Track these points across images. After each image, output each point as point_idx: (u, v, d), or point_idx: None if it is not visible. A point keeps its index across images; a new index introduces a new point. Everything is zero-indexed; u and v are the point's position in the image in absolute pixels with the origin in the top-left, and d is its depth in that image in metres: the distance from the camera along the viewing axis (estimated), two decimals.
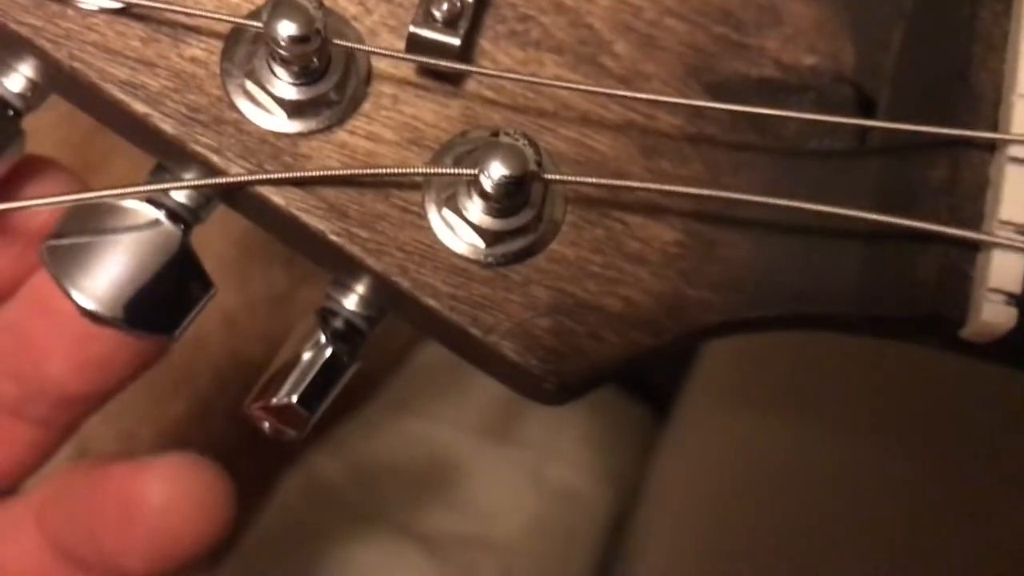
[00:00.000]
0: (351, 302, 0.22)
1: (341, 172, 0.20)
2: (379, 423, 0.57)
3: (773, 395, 0.44)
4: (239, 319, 0.74)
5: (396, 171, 0.20)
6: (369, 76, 0.21)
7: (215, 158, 0.20)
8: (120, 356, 0.25)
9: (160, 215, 0.22)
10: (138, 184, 0.22)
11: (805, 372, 0.43)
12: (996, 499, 0.38)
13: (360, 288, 0.22)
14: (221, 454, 0.80)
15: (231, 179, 0.20)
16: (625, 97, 0.21)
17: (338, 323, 0.22)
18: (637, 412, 0.55)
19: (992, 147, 0.20)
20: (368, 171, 0.20)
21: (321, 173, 0.20)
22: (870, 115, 0.22)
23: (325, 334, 0.22)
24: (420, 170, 0.20)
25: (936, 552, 0.38)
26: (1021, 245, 0.19)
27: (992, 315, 0.19)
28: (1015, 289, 0.19)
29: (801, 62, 0.22)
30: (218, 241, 0.68)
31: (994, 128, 0.20)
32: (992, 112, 0.21)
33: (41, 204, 0.22)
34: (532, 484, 0.52)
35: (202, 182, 0.21)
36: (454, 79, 0.21)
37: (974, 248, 0.20)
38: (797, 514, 0.42)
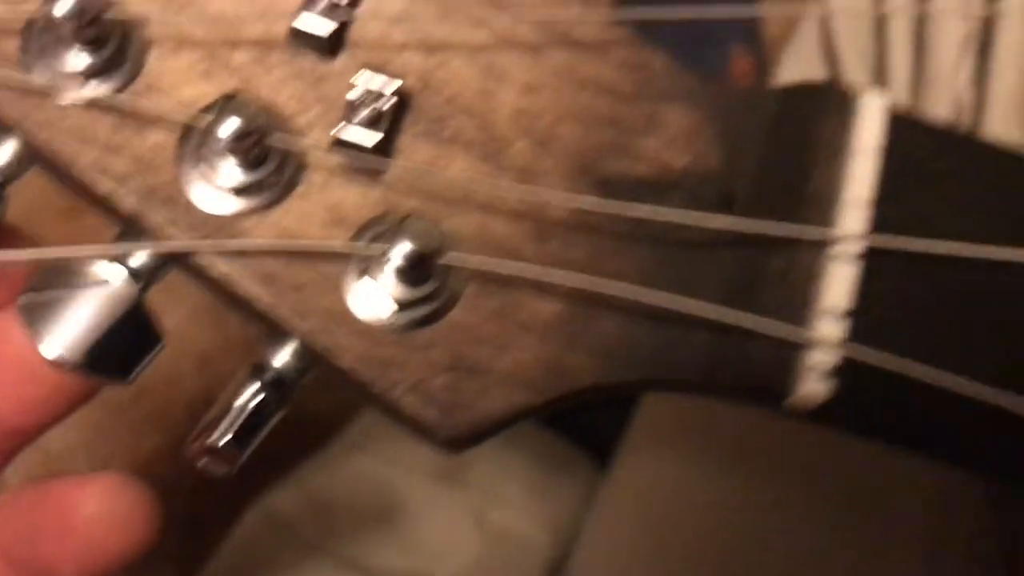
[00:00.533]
0: (281, 357, 0.26)
1: (269, 241, 0.24)
2: (338, 462, 0.60)
3: (709, 443, 0.48)
4: (213, 358, 0.77)
5: (318, 245, 0.24)
6: (303, 164, 0.25)
7: (168, 231, 0.24)
8: (59, 396, 0.28)
9: (122, 275, 0.26)
10: (94, 244, 0.26)
11: (742, 421, 0.46)
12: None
13: (289, 346, 0.25)
14: (191, 487, 0.84)
15: (172, 245, 0.24)
16: (522, 190, 0.25)
17: (269, 375, 0.26)
18: (581, 459, 0.59)
19: (823, 244, 0.24)
20: (293, 243, 0.24)
21: (247, 241, 0.24)
22: (732, 212, 0.26)
23: (257, 383, 0.26)
24: (338, 245, 0.24)
25: None
26: (834, 333, 0.23)
27: (809, 388, 0.23)
28: (829, 366, 0.23)
29: (674, 163, 0.26)
30: (194, 284, 0.71)
31: (826, 227, 0.24)
32: (826, 213, 0.24)
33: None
34: (476, 526, 0.55)
35: (142, 244, 0.24)
36: (374, 171, 0.25)
37: (803, 327, 0.24)
38: (727, 561, 0.45)
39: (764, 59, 0.61)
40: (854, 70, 0.45)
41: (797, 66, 0.49)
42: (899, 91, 0.43)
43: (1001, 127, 0.39)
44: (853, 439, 0.25)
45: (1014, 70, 0.39)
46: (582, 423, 0.59)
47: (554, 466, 0.58)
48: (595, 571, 0.51)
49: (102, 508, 0.27)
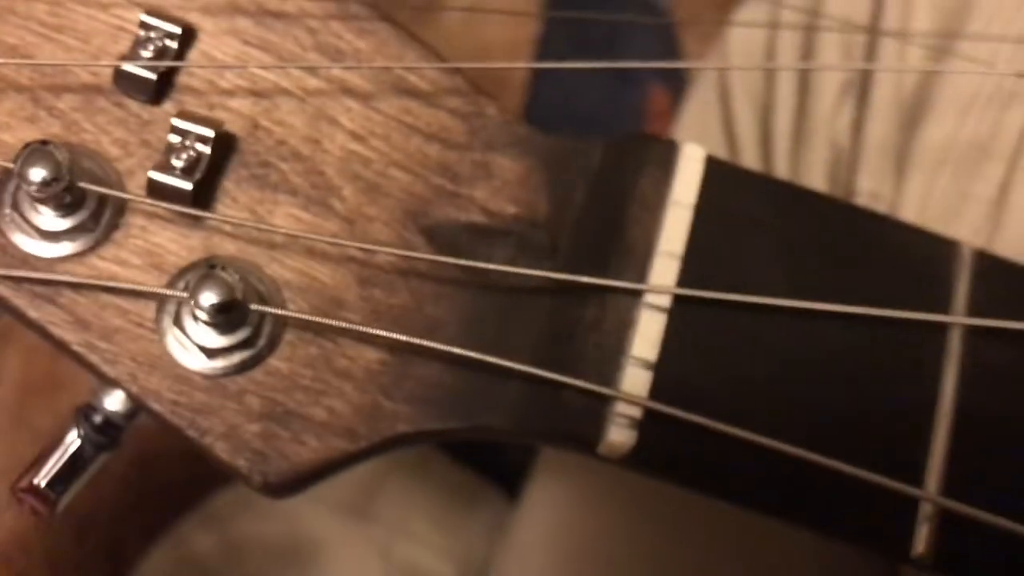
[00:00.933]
0: (107, 401, 0.26)
1: (72, 280, 0.24)
2: (250, 498, 0.60)
3: (614, 473, 0.48)
4: None
5: (121, 285, 0.24)
6: (123, 208, 0.25)
7: None
8: None
9: None
10: None
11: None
12: None
13: (112, 391, 0.25)
14: (110, 518, 0.83)
15: None
16: (347, 233, 0.25)
17: (97, 417, 0.26)
18: (490, 490, 0.59)
19: (636, 294, 0.24)
20: (96, 281, 0.24)
21: (51, 277, 0.24)
22: (554, 258, 0.26)
23: (79, 428, 0.26)
24: (141, 287, 0.24)
25: None
26: (641, 383, 0.23)
27: (617, 436, 0.23)
28: (636, 415, 0.23)
29: (504, 210, 0.26)
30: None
31: (640, 278, 0.24)
32: (640, 264, 0.25)
33: None
34: (383, 561, 0.55)
35: None
36: (194, 215, 0.25)
37: (612, 376, 0.24)
38: None
39: (680, 95, 0.62)
40: (743, 111, 0.45)
41: (697, 107, 0.50)
42: (783, 135, 0.43)
43: (875, 173, 0.40)
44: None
45: (888, 117, 0.40)
46: (491, 454, 0.59)
47: (462, 498, 0.58)
48: None
49: None
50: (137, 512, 0.73)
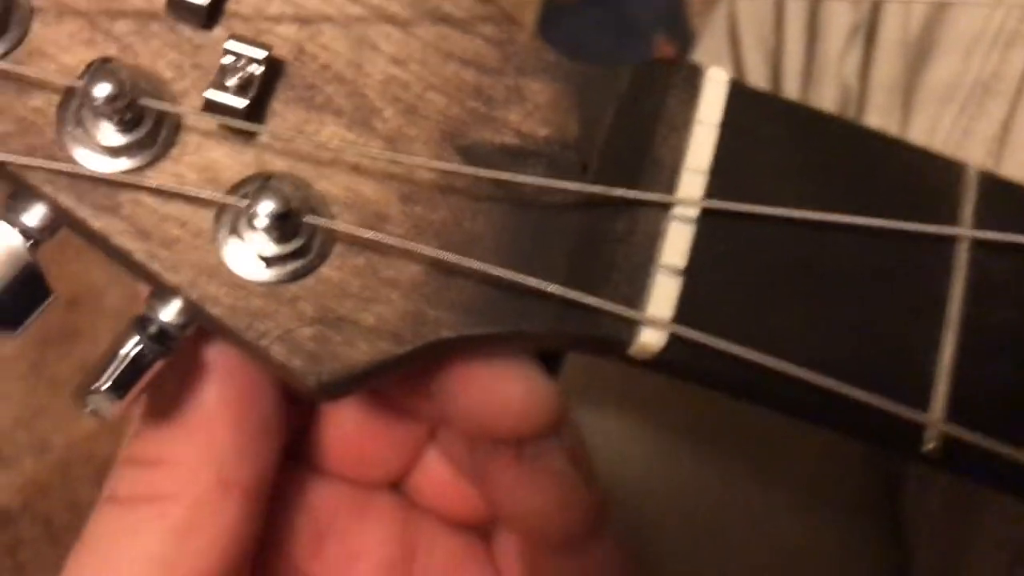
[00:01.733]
0: (163, 311, 0.27)
1: (137, 179, 0.25)
2: None
3: (625, 399, 0.49)
4: None
5: (182, 190, 0.26)
6: (179, 127, 0.26)
7: (47, 188, 0.26)
8: None
9: (13, 232, 0.27)
10: None
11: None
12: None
13: (168, 299, 0.27)
14: None
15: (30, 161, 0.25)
16: (388, 157, 0.27)
17: (152, 328, 0.27)
18: None
19: (665, 207, 0.26)
20: (165, 185, 0.25)
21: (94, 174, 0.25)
22: (587, 175, 0.28)
23: (140, 335, 0.27)
24: (207, 193, 0.26)
25: None
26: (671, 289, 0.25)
27: (647, 338, 0.25)
28: (666, 318, 0.25)
29: (536, 132, 0.28)
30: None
31: (670, 193, 0.26)
32: (668, 179, 0.26)
33: None
34: None
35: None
36: (248, 133, 0.26)
37: (642, 284, 0.25)
38: (644, 507, 0.46)
39: (686, 47, 0.63)
40: (753, 57, 0.47)
41: (707, 55, 0.51)
42: (792, 77, 0.45)
43: (882, 112, 0.41)
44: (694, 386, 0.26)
45: (895, 58, 0.41)
46: None
47: None
48: None
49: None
50: None
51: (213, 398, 0.28)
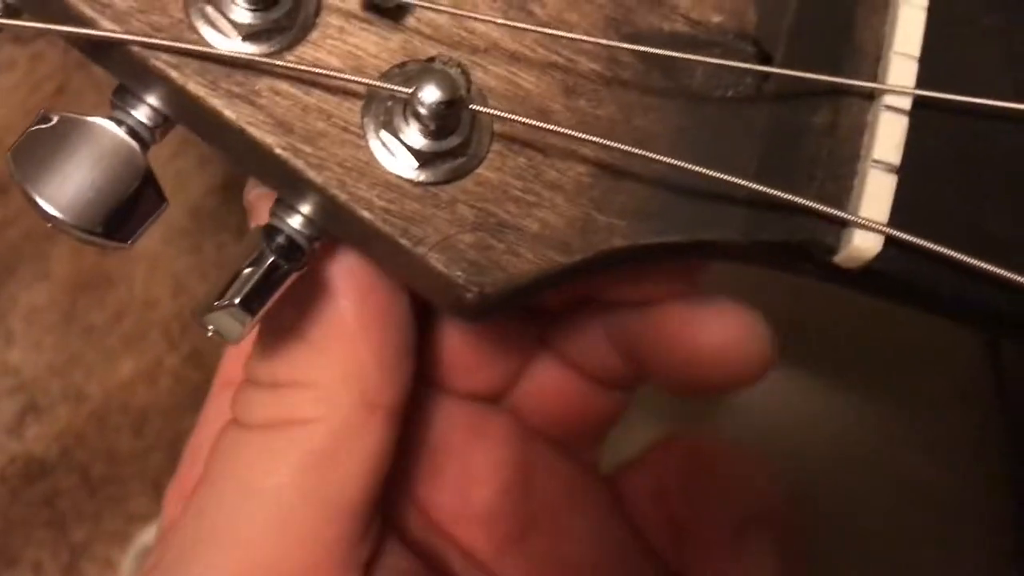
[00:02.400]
0: (293, 220, 0.24)
1: (283, 63, 0.22)
2: None
3: None
4: (189, 283, 0.75)
5: (337, 75, 0.22)
6: (319, 7, 0.23)
7: (174, 74, 0.22)
8: None
9: (122, 132, 0.24)
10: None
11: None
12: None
13: (302, 206, 0.24)
14: (167, 412, 0.82)
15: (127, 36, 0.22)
16: (549, 36, 0.24)
17: (280, 238, 0.24)
18: None
19: (870, 96, 0.23)
20: (310, 68, 0.22)
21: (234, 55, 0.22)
22: (771, 66, 0.25)
23: (268, 247, 0.24)
24: (361, 79, 0.23)
25: None
26: (886, 186, 0.22)
27: (861, 242, 0.22)
28: (883, 219, 0.22)
29: (709, 19, 0.25)
30: (172, 208, 0.70)
31: (874, 80, 0.23)
32: (872, 66, 0.23)
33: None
34: None
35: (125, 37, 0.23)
36: (395, 15, 0.23)
37: (850, 182, 0.22)
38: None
39: None
40: None
41: None
42: None
43: None
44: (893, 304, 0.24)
45: None
46: None
47: None
48: None
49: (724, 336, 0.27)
50: (193, 407, 0.72)
51: (353, 315, 0.25)
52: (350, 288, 0.25)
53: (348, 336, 0.25)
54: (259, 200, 0.26)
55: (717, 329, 0.27)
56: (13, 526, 0.70)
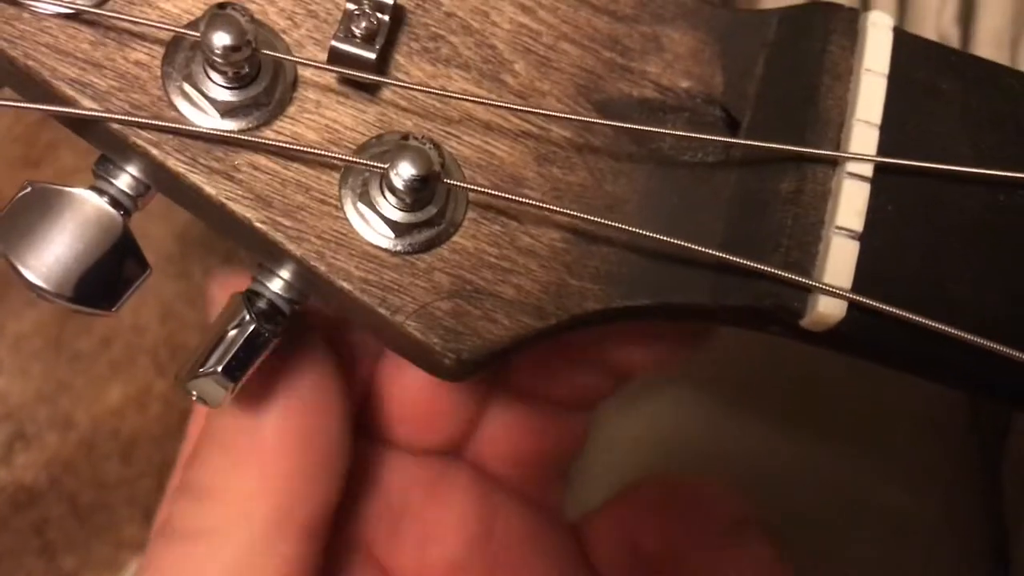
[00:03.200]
0: (275, 285, 0.25)
1: (248, 138, 0.23)
2: None
3: (703, 383, 0.47)
4: (176, 309, 0.76)
5: (313, 151, 0.23)
6: (295, 82, 0.24)
7: (154, 151, 0.23)
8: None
9: (103, 202, 0.24)
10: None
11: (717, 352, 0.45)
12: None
13: (283, 272, 0.25)
14: (157, 439, 0.82)
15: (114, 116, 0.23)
16: (522, 111, 0.24)
17: (262, 303, 0.25)
18: None
19: (834, 164, 0.24)
20: (289, 144, 0.23)
21: (221, 134, 0.23)
22: (735, 134, 0.25)
23: (249, 313, 0.25)
24: (338, 156, 0.23)
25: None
26: (849, 253, 0.23)
27: (825, 307, 0.23)
28: (847, 285, 0.23)
29: (678, 85, 0.25)
30: (160, 234, 0.70)
31: (836, 148, 0.24)
32: (836, 133, 0.24)
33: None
34: None
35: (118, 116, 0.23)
36: (371, 88, 0.24)
37: (814, 248, 0.23)
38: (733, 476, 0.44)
39: None
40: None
41: None
42: None
43: None
44: (862, 363, 0.24)
45: (998, 11, 0.39)
46: None
47: None
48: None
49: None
50: (182, 433, 0.72)
51: (272, 423, 0.26)
52: (277, 404, 0.26)
53: (265, 450, 0.26)
54: (221, 291, 0.27)
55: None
56: (2, 554, 0.71)
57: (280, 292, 0.25)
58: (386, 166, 0.22)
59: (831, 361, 0.41)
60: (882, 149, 0.24)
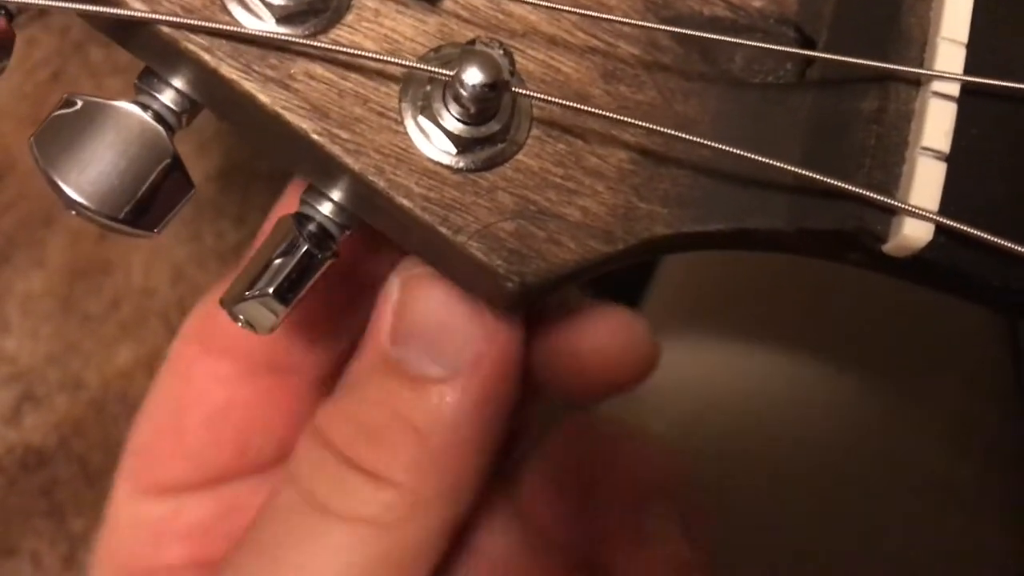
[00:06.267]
0: (325, 208, 0.24)
1: (313, 43, 0.22)
2: None
3: (725, 318, 0.45)
4: (187, 271, 0.74)
5: (376, 56, 0.22)
6: None
7: (206, 57, 0.22)
8: None
9: (148, 117, 0.23)
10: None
11: (759, 296, 0.44)
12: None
13: (335, 193, 0.23)
14: None
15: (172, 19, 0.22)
16: (588, 21, 0.23)
17: (312, 226, 0.24)
18: None
19: (918, 82, 0.23)
20: (347, 50, 0.22)
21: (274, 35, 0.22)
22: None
23: (300, 234, 0.24)
24: (400, 61, 0.22)
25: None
26: (937, 174, 0.22)
27: (912, 231, 0.22)
28: (933, 207, 0.22)
29: (749, 3, 0.24)
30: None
31: (920, 67, 0.23)
32: (919, 52, 0.23)
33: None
34: None
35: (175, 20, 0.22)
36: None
37: (898, 170, 0.22)
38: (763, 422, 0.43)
39: None
40: None
41: None
42: None
43: None
44: (937, 294, 0.23)
45: None
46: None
47: None
48: None
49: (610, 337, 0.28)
50: None
51: (464, 427, 0.25)
52: (467, 406, 0.25)
53: (454, 445, 0.25)
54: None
55: (597, 333, 0.27)
56: (11, 516, 0.69)
57: (330, 215, 0.24)
58: (452, 73, 0.21)
59: (879, 313, 0.40)
60: (968, 68, 0.22)
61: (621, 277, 0.26)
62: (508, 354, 0.25)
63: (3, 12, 0.23)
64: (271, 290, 0.23)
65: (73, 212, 0.24)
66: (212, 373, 0.29)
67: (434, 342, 0.25)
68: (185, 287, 0.75)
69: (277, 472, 0.29)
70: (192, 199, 0.24)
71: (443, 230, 0.22)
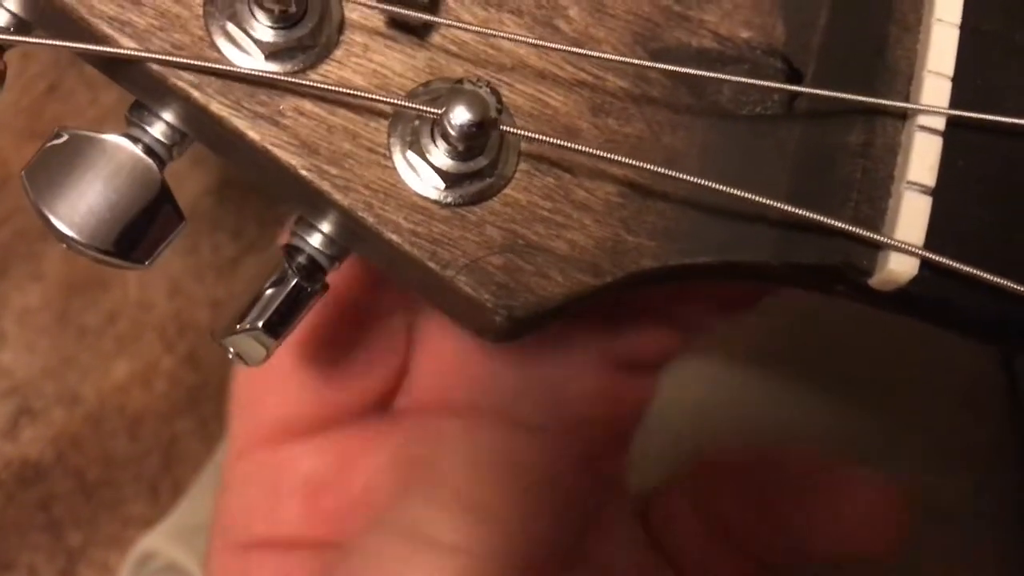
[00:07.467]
0: (314, 240, 0.24)
1: (295, 81, 0.22)
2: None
3: (718, 340, 0.45)
4: (185, 284, 0.75)
5: (364, 95, 0.22)
6: (342, 25, 0.23)
7: (196, 94, 0.22)
8: None
9: (138, 150, 0.23)
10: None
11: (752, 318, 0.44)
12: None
13: (324, 226, 0.24)
14: (163, 415, 0.81)
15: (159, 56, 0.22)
16: (576, 56, 0.23)
17: (302, 258, 0.24)
18: None
19: (903, 116, 0.23)
20: (336, 88, 0.22)
21: (259, 74, 0.22)
22: (797, 86, 0.24)
23: (290, 267, 0.24)
24: (389, 99, 0.22)
25: None
26: (922, 208, 0.22)
27: (897, 265, 0.22)
28: (918, 241, 0.22)
29: (737, 35, 0.24)
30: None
31: (907, 100, 0.23)
32: (905, 86, 0.23)
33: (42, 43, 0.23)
34: None
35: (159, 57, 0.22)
36: (420, 32, 0.23)
37: (884, 204, 0.22)
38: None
39: None
40: None
41: None
42: None
43: None
44: (928, 326, 0.23)
45: None
46: None
47: None
48: None
49: (869, 509, 0.28)
50: (189, 410, 0.72)
51: (554, 450, 0.25)
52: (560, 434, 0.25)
53: (545, 481, 0.25)
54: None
55: (862, 499, 0.28)
56: (8, 530, 0.70)
57: (320, 247, 0.24)
58: (440, 111, 0.21)
59: (871, 335, 0.40)
60: (954, 102, 0.23)
61: None
62: None
63: None
64: (261, 324, 0.23)
65: (64, 245, 0.24)
66: None
67: None
68: (182, 300, 0.75)
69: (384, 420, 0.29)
70: (189, 211, 0.24)
71: (431, 265, 0.22)
